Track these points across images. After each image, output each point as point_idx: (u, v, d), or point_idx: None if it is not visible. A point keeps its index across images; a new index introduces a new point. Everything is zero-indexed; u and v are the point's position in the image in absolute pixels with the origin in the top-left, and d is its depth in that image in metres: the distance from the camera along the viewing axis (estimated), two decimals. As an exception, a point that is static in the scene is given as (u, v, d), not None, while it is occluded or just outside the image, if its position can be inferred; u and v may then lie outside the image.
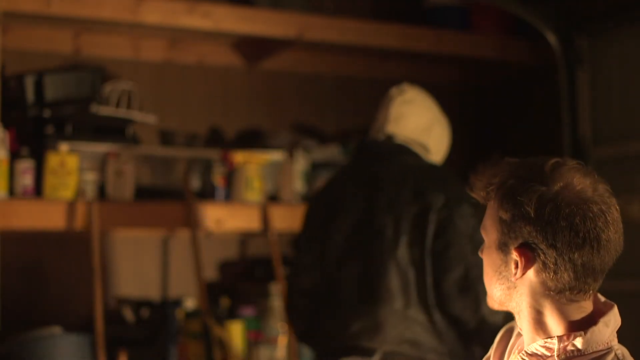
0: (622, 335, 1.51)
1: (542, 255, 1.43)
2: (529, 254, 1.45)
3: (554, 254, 1.42)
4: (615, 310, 1.49)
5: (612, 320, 1.48)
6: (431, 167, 2.57)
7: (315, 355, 2.61)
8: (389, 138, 2.57)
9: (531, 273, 1.46)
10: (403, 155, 2.54)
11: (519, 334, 1.57)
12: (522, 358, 1.51)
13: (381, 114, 2.65)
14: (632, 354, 1.49)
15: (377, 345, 2.38)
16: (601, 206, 1.43)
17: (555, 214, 1.42)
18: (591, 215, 1.42)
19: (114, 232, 3.56)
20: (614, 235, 1.44)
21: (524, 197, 1.44)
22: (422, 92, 2.74)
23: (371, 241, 2.44)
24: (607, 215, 1.43)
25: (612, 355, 1.45)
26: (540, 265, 1.44)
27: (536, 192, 1.43)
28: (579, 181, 1.44)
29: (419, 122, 2.61)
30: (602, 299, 1.52)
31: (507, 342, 1.63)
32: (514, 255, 1.46)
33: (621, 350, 1.48)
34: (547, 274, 1.44)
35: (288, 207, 3.52)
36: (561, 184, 1.44)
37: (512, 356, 1.58)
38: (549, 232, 1.42)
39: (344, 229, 2.49)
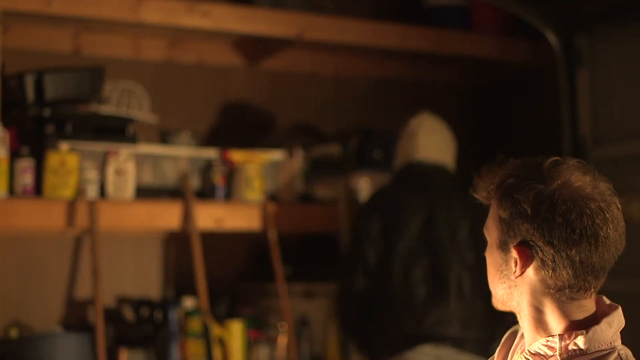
0: (622, 336, 1.51)
1: (540, 252, 1.44)
2: (527, 252, 1.46)
3: (552, 251, 1.43)
4: (620, 311, 1.50)
5: (616, 320, 1.48)
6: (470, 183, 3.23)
7: (377, 349, 3.13)
8: (420, 163, 3.20)
9: (531, 271, 1.47)
10: (443, 175, 3.19)
11: (523, 335, 1.57)
12: (525, 358, 1.51)
13: (409, 143, 3.26)
14: (634, 355, 1.49)
15: (449, 332, 2.97)
16: (600, 203, 1.43)
17: (552, 211, 1.42)
18: (589, 212, 1.42)
19: (114, 231, 3.56)
20: (613, 233, 1.44)
21: (521, 195, 1.45)
22: (435, 118, 3.35)
23: (433, 249, 3.05)
24: (605, 212, 1.43)
25: (615, 355, 1.45)
26: (539, 263, 1.45)
27: (533, 190, 1.44)
28: (578, 179, 1.45)
29: (442, 147, 3.28)
30: (607, 301, 1.52)
31: (511, 343, 1.63)
32: (513, 253, 1.47)
33: (624, 350, 1.48)
34: (545, 272, 1.45)
35: (288, 207, 3.53)
36: (559, 182, 1.44)
37: (515, 356, 1.58)
38: (546, 229, 1.42)
39: (408, 240, 3.09)
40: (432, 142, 3.25)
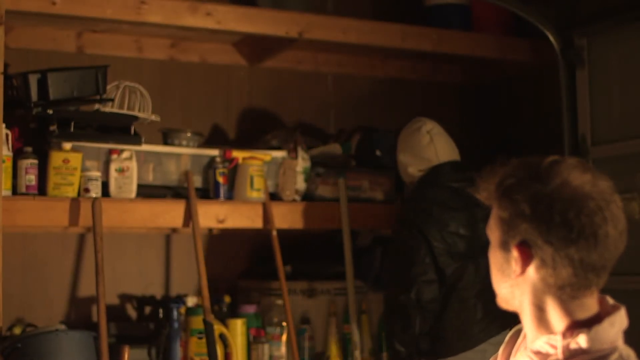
0: (625, 334, 1.51)
1: (539, 251, 1.45)
2: (527, 251, 1.46)
3: (551, 250, 1.43)
4: (623, 311, 1.50)
5: (618, 320, 1.48)
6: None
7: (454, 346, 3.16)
8: (445, 164, 3.31)
9: (531, 270, 1.47)
10: (471, 173, 3.09)
11: (526, 335, 1.57)
12: (527, 356, 1.52)
13: (427, 149, 3.34)
14: (638, 355, 1.50)
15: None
16: (599, 202, 1.43)
17: (550, 210, 1.43)
18: (587, 211, 1.42)
19: (117, 230, 3.57)
20: (612, 232, 1.44)
21: (519, 195, 1.46)
22: (430, 119, 3.45)
23: (481, 253, 3.02)
24: (604, 211, 1.43)
25: (617, 355, 1.45)
26: (539, 262, 1.46)
27: (531, 190, 1.45)
28: (576, 177, 1.45)
29: (454, 146, 3.41)
30: (611, 301, 1.52)
31: (514, 342, 1.64)
32: (514, 252, 1.48)
33: (627, 351, 1.48)
34: (546, 271, 1.45)
35: (289, 205, 3.54)
36: (557, 181, 1.45)
37: (517, 354, 1.59)
38: (544, 228, 1.43)
39: (455, 245, 3.14)
40: (448, 143, 3.40)
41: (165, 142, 3.51)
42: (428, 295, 3.12)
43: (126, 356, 2.94)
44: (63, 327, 3.15)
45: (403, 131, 3.49)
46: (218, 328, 3.27)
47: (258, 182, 3.45)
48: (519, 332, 1.64)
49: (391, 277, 3.29)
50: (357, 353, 3.58)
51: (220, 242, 3.91)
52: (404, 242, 3.22)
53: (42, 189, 3.10)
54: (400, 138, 3.49)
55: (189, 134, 3.54)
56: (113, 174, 3.22)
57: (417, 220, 3.21)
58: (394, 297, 3.18)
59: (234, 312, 3.60)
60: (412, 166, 3.38)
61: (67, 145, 3.12)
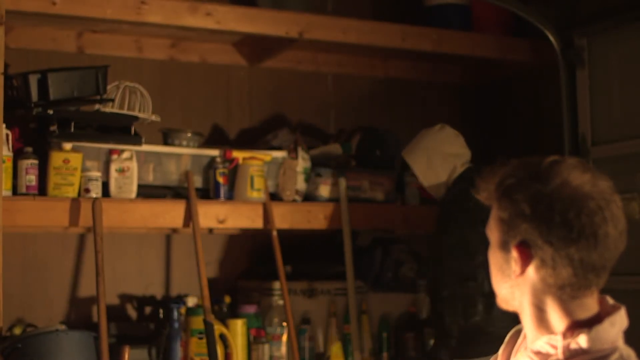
0: (625, 334, 1.51)
1: (539, 251, 1.45)
2: (527, 251, 1.46)
3: (551, 250, 1.43)
4: (623, 311, 1.49)
5: (619, 320, 1.48)
6: None
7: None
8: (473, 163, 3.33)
9: (531, 270, 1.47)
10: None
11: (526, 335, 1.57)
12: (528, 356, 1.52)
13: (455, 145, 3.34)
14: (638, 355, 1.49)
15: None
16: (599, 202, 1.43)
17: (550, 210, 1.43)
18: (587, 211, 1.42)
19: (117, 230, 3.57)
20: (612, 231, 1.44)
21: (519, 195, 1.46)
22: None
23: None
24: (604, 211, 1.43)
25: (617, 355, 1.45)
26: (539, 262, 1.46)
27: (531, 190, 1.45)
28: (576, 177, 1.45)
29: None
30: (611, 301, 1.52)
31: (514, 343, 1.64)
32: (514, 253, 1.48)
33: (627, 351, 1.48)
34: (546, 271, 1.45)
35: (290, 205, 3.54)
36: (557, 181, 1.45)
37: (518, 354, 1.59)
38: (544, 228, 1.43)
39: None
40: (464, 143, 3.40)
41: (166, 142, 3.51)
42: (488, 287, 2.97)
43: (126, 356, 2.94)
44: (63, 327, 3.15)
45: (431, 134, 3.41)
46: (218, 328, 3.27)
47: (258, 182, 3.45)
48: (519, 332, 1.64)
49: (449, 270, 3.16)
50: (357, 353, 3.58)
51: (220, 242, 3.92)
52: (464, 236, 3.12)
53: (42, 189, 3.10)
54: (439, 136, 3.39)
55: (189, 134, 3.54)
56: (113, 174, 3.23)
57: (477, 215, 3.13)
58: (458, 285, 3.10)
59: (234, 312, 3.60)
60: (459, 158, 3.33)
61: (68, 146, 3.13)
